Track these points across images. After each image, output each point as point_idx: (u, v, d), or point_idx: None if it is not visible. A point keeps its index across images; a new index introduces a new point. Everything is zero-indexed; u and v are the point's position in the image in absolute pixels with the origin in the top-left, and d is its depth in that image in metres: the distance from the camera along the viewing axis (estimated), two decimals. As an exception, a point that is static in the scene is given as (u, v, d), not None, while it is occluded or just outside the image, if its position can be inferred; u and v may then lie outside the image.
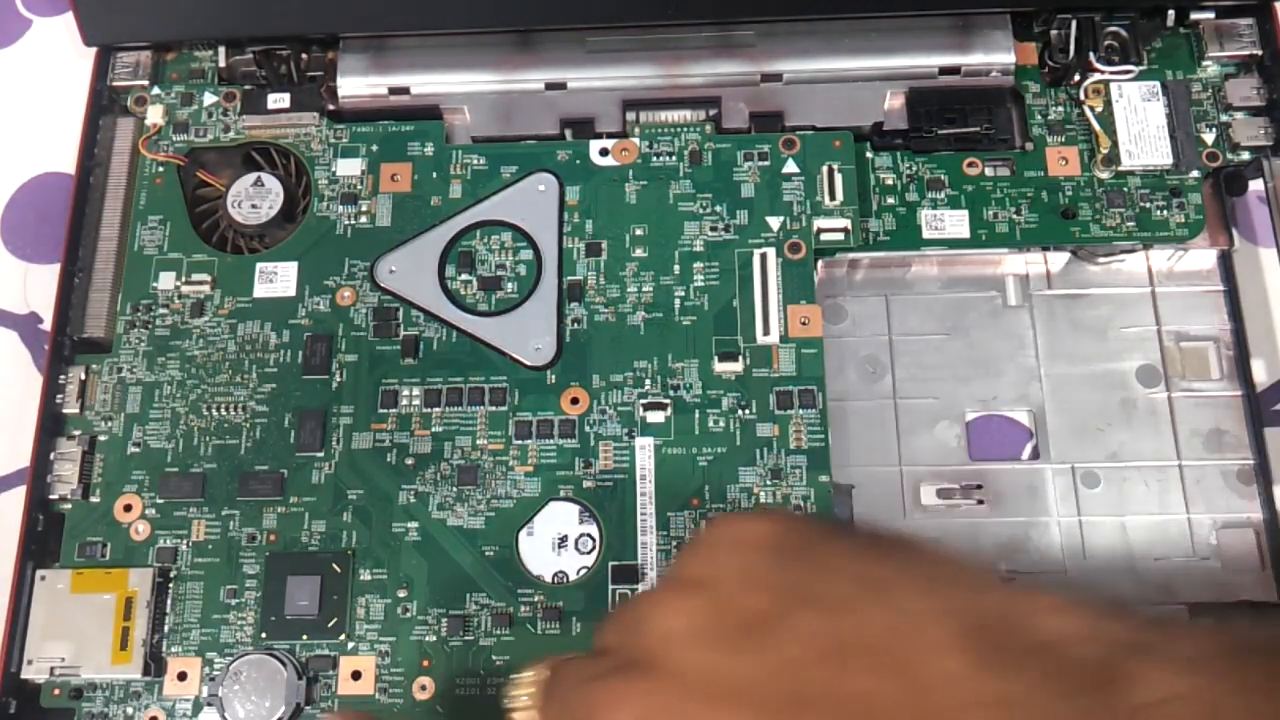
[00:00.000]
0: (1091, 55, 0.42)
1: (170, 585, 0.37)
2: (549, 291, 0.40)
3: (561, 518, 0.37)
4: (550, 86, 0.43)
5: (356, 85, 0.43)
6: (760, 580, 0.25)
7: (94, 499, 0.39)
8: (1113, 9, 0.42)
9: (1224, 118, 0.42)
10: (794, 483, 0.37)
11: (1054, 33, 0.42)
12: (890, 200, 0.41)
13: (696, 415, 0.38)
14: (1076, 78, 0.42)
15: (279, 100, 0.43)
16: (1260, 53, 0.42)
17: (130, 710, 0.36)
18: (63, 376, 0.40)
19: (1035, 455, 0.40)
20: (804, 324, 0.39)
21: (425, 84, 0.43)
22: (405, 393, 0.39)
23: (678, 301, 0.40)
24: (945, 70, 0.42)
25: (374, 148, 0.42)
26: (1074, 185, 0.41)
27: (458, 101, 0.43)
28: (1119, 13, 0.42)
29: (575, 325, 0.40)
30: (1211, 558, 0.39)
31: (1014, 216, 0.41)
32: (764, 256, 0.40)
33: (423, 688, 0.36)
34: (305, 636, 0.36)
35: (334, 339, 0.40)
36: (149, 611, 0.37)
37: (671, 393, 0.38)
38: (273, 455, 0.39)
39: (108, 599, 0.37)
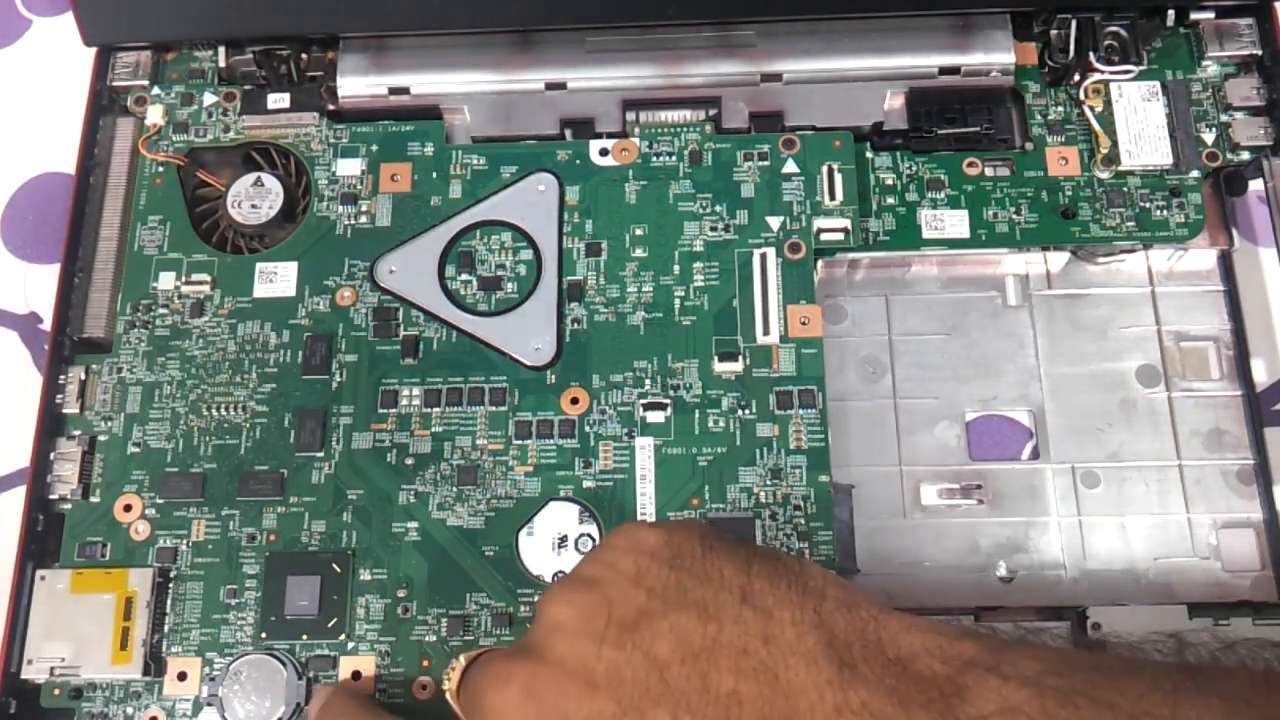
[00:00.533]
0: (1091, 55, 0.42)
1: (170, 585, 0.37)
2: (549, 291, 0.40)
3: (561, 518, 0.37)
4: (550, 86, 0.43)
5: (356, 85, 0.43)
6: (646, 582, 0.28)
7: (94, 499, 0.39)
8: (1113, 9, 0.42)
9: (1224, 118, 0.42)
10: (794, 483, 0.37)
11: (1054, 33, 0.42)
12: (890, 200, 0.41)
13: (696, 415, 0.38)
14: (1076, 78, 0.42)
15: (279, 100, 0.44)
16: (1260, 53, 0.42)
17: (130, 710, 0.36)
18: (63, 376, 0.40)
19: (1035, 455, 0.40)
20: (804, 324, 0.39)
21: (425, 84, 0.43)
22: (405, 393, 0.39)
23: (678, 301, 0.40)
24: (945, 70, 0.42)
25: (374, 148, 0.42)
26: (1074, 185, 0.41)
27: (458, 101, 0.43)
28: (1119, 13, 0.42)
29: (575, 325, 0.40)
30: (1211, 558, 0.39)
31: (1014, 216, 0.41)
32: (764, 256, 0.40)
33: (423, 687, 0.36)
34: (305, 636, 0.36)
35: (334, 339, 0.40)
36: (149, 611, 0.37)
37: (671, 393, 0.38)
38: (273, 455, 0.39)
39: (108, 599, 0.37)
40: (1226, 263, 0.42)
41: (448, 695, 0.32)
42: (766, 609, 0.26)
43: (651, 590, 0.27)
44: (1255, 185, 0.42)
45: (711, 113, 0.42)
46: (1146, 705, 0.23)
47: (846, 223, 0.40)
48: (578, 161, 0.42)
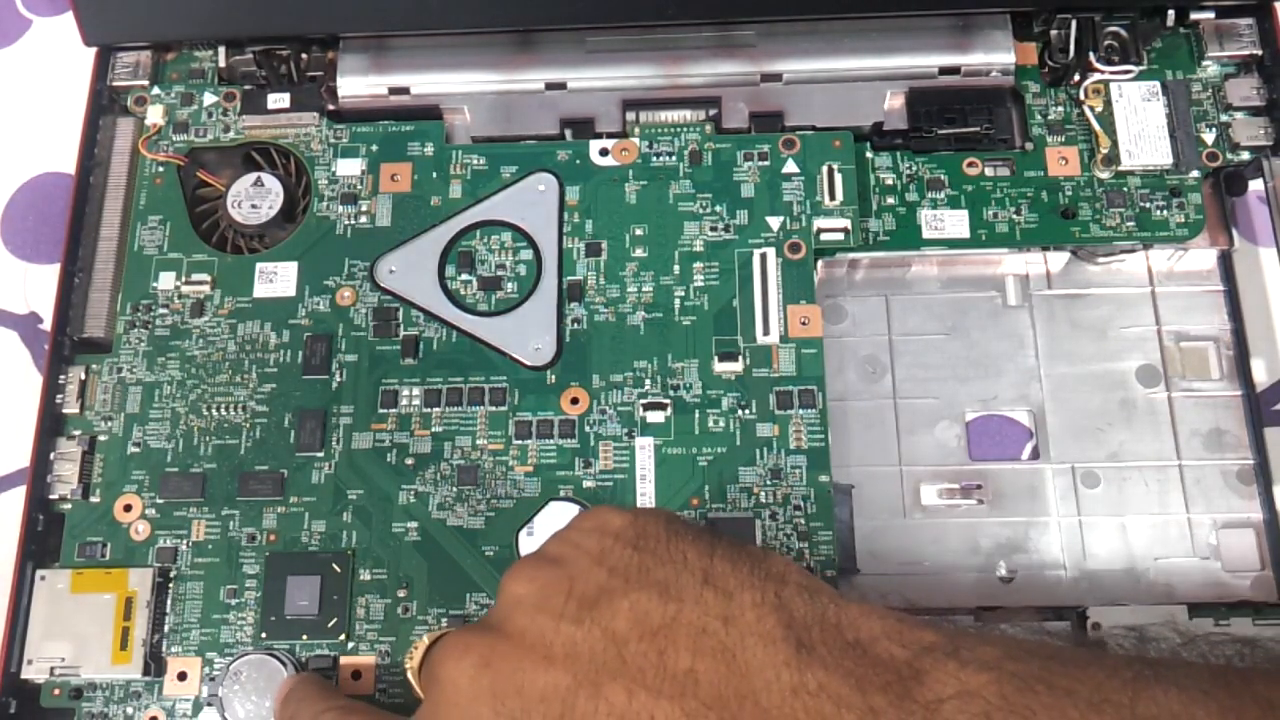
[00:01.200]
0: (1091, 55, 0.42)
1: (170, 585, 0.37)
2: (549, 291, 0.40)
3: (561, 518, 0.37)
4: (550, 86, 0.43)
5: (356, 85, 0.43)
6: (608, 562, 0.28)
7: (94, 499, 0.39)
8: (1113, 9, 0.42)
9: (1224, 118, 0.42)
10: (794, 483, 0.37)
11: (1054, 33, 0.42)
12: (890, 200, 0.41)
13: (696, 415, 0.38)
14: (1076, 78, 0.42)
15: (279, 100, 0.44)
16: (1260, 53, 0.42)
17: (130, 710, 0.36)
18: (63, 376, 0.40)
19: (1035, 455, 0.40)
20: (804, 324, 0.39)
21: (425, 84, 0.43)
22: (405, 393, 0.39)
23: (678, 301, 0.40)
24: (945, 70, 0.42)
25: (374, 148, 0.42)
26: (1074, 185, 0.41)
27: (458, 101, 0.43)
28: (1119, 13, 0.42)
29: (575, 325, 0.40)
30: (1211, 558, 0.39)
31: (1014, 216, 0.41)
32: (764, 256, 0.40)
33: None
34: (305, 636, 0.36)
35: (334, 339, 0.40)
36: (149, 611, 0.37)
37: (671, 393, 0.38)
38: (273, 455, 0.39)
39: (108, 599, 0.37)
40: (1226, 263, 0.42)
41: (409, 673, 0.33)
42: (727, 591, 0.27)
43: (614, 569, 0.28)
44: (1255, 185, 0.42)
45: (711, 113, 0.42)
46: (1105, 693, 0.23)
47: (846, 223, 0.40)
48: (578, 161, 0.42)
